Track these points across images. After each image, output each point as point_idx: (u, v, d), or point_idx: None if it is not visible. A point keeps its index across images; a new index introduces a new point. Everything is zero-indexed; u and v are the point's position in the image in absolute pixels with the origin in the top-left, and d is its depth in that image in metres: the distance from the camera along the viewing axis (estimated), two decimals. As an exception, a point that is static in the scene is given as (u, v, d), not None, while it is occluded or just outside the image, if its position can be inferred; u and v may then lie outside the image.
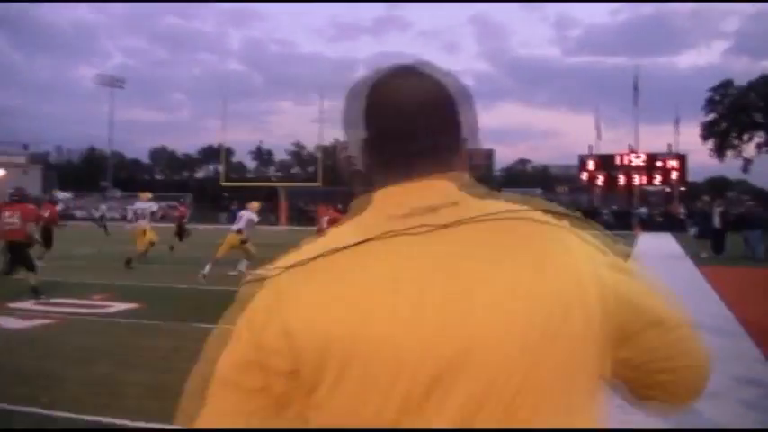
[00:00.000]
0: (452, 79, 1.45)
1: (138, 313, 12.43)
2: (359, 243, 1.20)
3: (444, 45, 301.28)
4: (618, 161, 62.56)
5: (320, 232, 1.41)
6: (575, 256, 1.23)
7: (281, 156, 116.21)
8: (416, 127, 1.33)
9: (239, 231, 19.14)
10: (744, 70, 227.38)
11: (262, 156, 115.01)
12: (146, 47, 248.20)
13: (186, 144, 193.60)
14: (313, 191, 57.24)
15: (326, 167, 62.44)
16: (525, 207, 1.29)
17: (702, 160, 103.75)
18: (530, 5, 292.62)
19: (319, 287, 1.19)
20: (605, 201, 68.74)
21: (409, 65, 1.41)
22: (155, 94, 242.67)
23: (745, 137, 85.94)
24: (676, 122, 70.09)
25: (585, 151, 66.32)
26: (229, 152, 78.28)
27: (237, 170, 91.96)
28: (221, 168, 66.98)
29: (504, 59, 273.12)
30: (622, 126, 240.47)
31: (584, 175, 63.91)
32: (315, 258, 1.22)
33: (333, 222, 18.97)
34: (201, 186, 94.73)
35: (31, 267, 14.00)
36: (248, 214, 19.61)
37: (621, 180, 62.36)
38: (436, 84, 1.39)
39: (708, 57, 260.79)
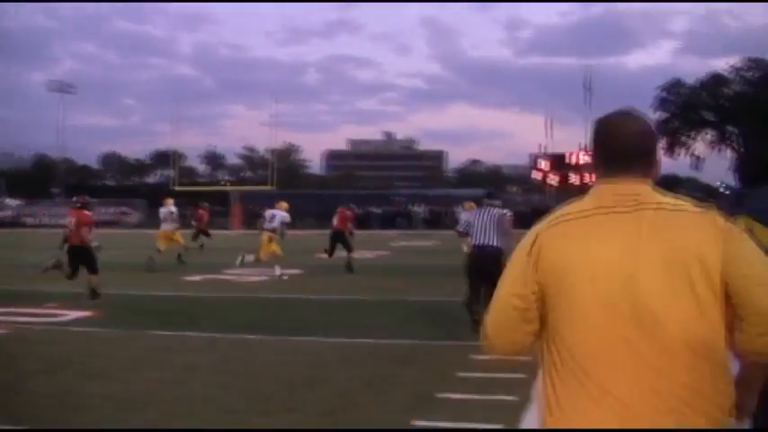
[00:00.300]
0: (652, 122, 2.41)
1: (94, 322, 11.99)
2: (587, 214, 2.19)
3: (396, 47, 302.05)
4: (569, 160, 62.95)
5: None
6: (705, 232, 2.08)
7: (232, 160, 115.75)
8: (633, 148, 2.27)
9: (273, 231, 20.22)
10: (692, 70, 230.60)
11: (213, 160, 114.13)
12: (97, 52, 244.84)
13: (137, 149, 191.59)
14: (266, 194, 56.69)
15: (279, 171, 62.07)
16: (685, 202, 2.20)
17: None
18: (481, 7, 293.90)
19: (562, 236, 2.16)
20: (558, 200, 68.94)
21: (629, 110, 2.37)
22: (106, 100, 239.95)
23: (696, 135, 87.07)
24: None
25: (537, 151, 66.60)
26: (181, 157, 77.36)
27: (189, 174, 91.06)
28: (173, 173, 66.43)
29: (455, 61, 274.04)
30: (574, 126, 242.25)
31: (537, 175, 64.22)
32: (558, 222, 2.21)
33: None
34: (153, 191, 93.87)
35: (93, 270, 14.65)
36: (282, 214, 20.78)
37: (574, 178, 62.74)
38: (645, 122, 2.34)
39: (657, 56, 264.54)
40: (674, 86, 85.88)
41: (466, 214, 13.32)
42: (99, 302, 13.68)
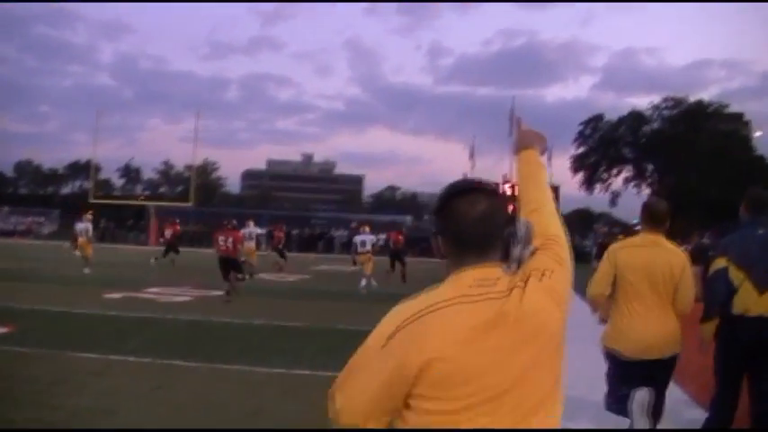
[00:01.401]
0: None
1: (10, 339, 11.29)
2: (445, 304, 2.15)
3: (317, 68, 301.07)
4: (493, 190, 63.45)
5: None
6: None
7: (148, 174, 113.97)
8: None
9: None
10: (610, 105, 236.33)
11: (129, 173, 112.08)
12: (14, 55, 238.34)
13: (53, 158, 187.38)
14: (184, 210, 55.79)
15: (196, 187, 61.15)
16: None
17: (570, 192, 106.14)
18: (404, 32, 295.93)
19: (418, 330, 2.11)
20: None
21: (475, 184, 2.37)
22: (22, 105, 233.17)
23: (614, 171, 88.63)
24: (549, 154, 71.08)
25: (452, 179, 66.79)
26: (96, 168, 75.78)
27: (104, 187, 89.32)
28: (89, 185, 65.01)
29: (375, 85, 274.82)
30: (492, 155, 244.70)
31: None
32: (422, 312, 2.15)
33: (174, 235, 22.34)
34: (67, 203, 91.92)
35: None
36: (371, 237, 25.01)
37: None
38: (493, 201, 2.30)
39: (575, 91, 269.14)
40: (594, 121, 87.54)
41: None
42: (17, 318, 12.98)
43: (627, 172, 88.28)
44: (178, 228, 32.81)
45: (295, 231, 61.33)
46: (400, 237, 29.97)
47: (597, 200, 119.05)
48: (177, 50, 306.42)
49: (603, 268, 6.00)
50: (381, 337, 2.25)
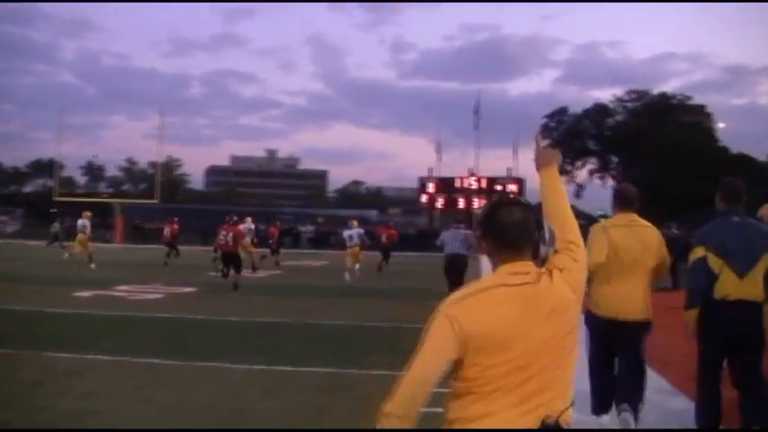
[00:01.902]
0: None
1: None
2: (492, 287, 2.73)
3: (281, 64, 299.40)
4: (458, 184, 63.40)
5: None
6: None
7: (112, 171, 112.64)
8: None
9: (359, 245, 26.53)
10: (573, 99, 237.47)
11: (93, 171, 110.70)
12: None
13: (15, 157, 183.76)
14: (150, 208, 55.34)
15: (161, 184, 60.57)
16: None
17: (535, 186, 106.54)
18: (367, 27, 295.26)
19: (472, 305, 2.68)
20: (444, 223, 69.30)
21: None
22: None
23: (579, 163, 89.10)
24: (515, 147, 71.36)
25: (417, 174, 67.14)
26: (60, 167, 74.89)
27: (67, 185, 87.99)
28: (52, 183, 64.25)
29: (339, 80, 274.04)
30: (456, 150, 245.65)
31: (424, 198, 64.43)
32: (473, 294, 2.73)
33: (173, 234, 27.57)
34: (30, 201, 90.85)
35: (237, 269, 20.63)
36: (359, 231, 27.24)
37: (461, 202, 63.18)
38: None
39: (539, 85, 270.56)
40: (559, 114, 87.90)
41: (444, 234, 19.28)
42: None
43: (591, 164, 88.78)
44: (176, 227, 32.92)
45: (262, 227, 61.03)
46: (393, 232, 31.56)
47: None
48: (140, 48, 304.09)
49: (599, 242, 6.54)
50: (443, 310, 2.73)
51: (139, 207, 59.80)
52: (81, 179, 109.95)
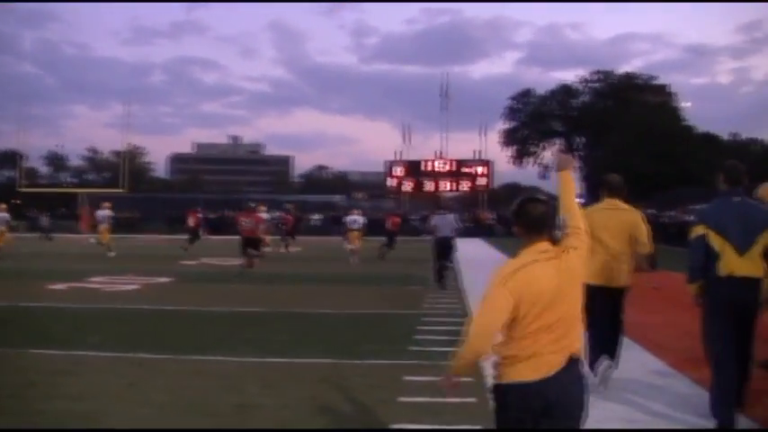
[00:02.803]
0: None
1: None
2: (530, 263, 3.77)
3: (242, 50, 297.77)
4: (425, 167, 63.21)
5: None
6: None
7: (75, 161, 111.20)
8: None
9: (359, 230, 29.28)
10: (536, 80, 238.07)
11: (56, 161, 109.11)
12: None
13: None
14: (115, 197, 54.51)
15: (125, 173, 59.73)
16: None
17: (500, 167, 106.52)
18: (328, 11, 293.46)
19: (519, 278, 3.71)
20: (414, 207, 69.07)
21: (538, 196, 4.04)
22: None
23: (544, 144, 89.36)
24: (482, 130, 71.16)
25: (381, 158, 66.97)
26: (22, 157, 73.75)
27: (30, 176, 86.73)
28: (16, 174, 63.24)
29: (301, 66, 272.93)
30: (419, 132, 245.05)
31: (392, 182, 64.19)
32: (521, 267, 3.75)
33: (197, 224, 27.74)
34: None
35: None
36: (361, 218, 30.31)
37: (429, 186, 63.06)
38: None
39: (501, 67, 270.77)
40: (524, 96, 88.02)
41: (434, 218, 20.46)
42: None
43: (557, 145, 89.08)
44: (200, 216, 35.18)
45: (229, 214, 60.43)
46: (398, 219, 33.96)
47: (528, 173, 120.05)
48: (100, 37, 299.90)
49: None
50: (501, 280, 3.77)
51: (104, 197, 59.03)
52: (44, 170, 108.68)
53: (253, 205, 23.74)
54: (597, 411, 6.57)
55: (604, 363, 7.62)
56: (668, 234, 34.98)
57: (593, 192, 6.38)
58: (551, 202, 3.99)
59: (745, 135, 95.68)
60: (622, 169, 58.33)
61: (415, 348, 9.95)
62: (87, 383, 7.94)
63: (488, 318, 3.76)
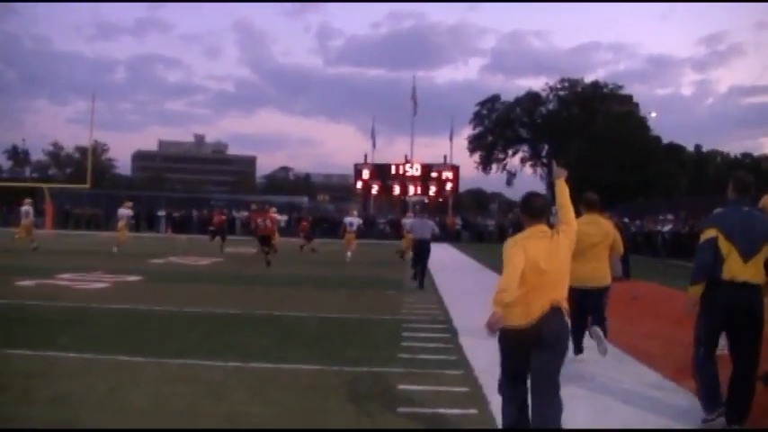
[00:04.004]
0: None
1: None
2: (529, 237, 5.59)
3: (206, 50, 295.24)
4: (394, 171, 62.98)
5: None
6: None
7: (37, 156, 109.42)
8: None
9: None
10: (499, 87, 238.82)
11: (18, 155, 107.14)
12: None
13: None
14: (79, 193, 53.68)
15: (85, 169, 58.52)
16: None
17: (466, 173, 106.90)
18: (292, 13, 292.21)
19: (525, 243, 5.51)
20: (381, 210, 68.81)
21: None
22: None
23: (510, 151, 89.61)
24: (449, 135, 71.21)
25: (344, 161, 66.91)
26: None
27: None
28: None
29: (265, 67, 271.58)
30: (382, 136, 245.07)
31: (359, 184, 63.88)
32: (524, 238, 5.57)
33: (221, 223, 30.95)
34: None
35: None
36: (358, 220, 32.36)
37: (396, 189, 62.84)
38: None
39: (465, 73, 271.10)
40: (491, 102, 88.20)
41: (410, 221, 23.86)
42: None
43: (523, 152, 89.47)
44: (224, 217, 36.23)
45: (195, 213, 59.72)
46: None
47: (494, 180, 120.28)
48: (62, 31, 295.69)
49: None
50: (514, 243, 5.52)
51: (69, 192, 58.02)
52: (5, 164, 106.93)
53: (266, 206, 26.26)
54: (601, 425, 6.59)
55: (594, 327, 9.40)
56: (637, 243, 34.95)
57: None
58: (547, 197, 6.03)
59: (706, 147, 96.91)
60: (585, 178, 58.69)
61: (405, 356, 9.55)
62: (64, 388, 7.43)
63: (513, 271, 5.34)
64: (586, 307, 9.32)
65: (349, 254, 28.67)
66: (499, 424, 6.01)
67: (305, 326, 12.08)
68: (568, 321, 5.67)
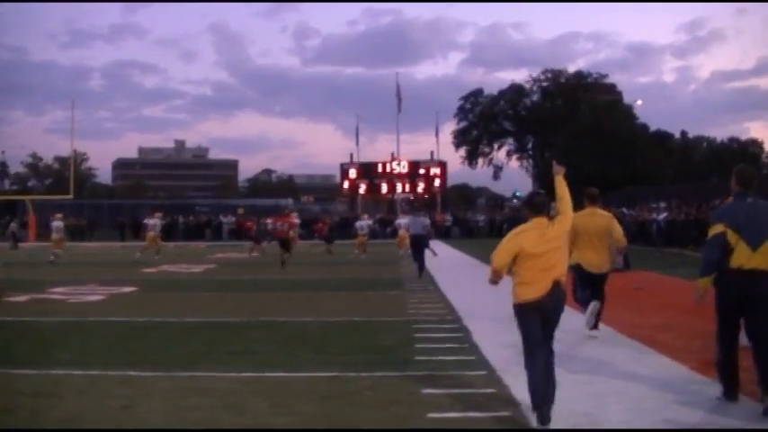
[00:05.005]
0: None
1: None
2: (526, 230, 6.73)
3: (182, 53, 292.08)
4: (381, 169, 62.69)
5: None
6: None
7: (15, 168, 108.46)
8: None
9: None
10: (479, 81, 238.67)
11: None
12: None
13: None
14: (62, 204, 53.12)
15: (68, 179, 58.05)
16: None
17: (453, 168, 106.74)
18: (269, 14, 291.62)
19: (521, 236, 6.67)
20: (367, 210, 68.28)
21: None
22: None
23: (496, 144, 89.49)
24: (434, 131, 71.20)
25: (326, 161, 66.66)
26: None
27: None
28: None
29: (243, 69, 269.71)
30: (362, 133, 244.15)
31: (346, 184, 63.58)
32: (523, 230, 6.73)
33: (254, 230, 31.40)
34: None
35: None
36: (369, 222, 35.82)
37: (384, 188, 62.59)
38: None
39: (444, 68, 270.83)
40: (474, 96, 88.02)
41: (405, 219, 26.41)
42: None
43: (509, 145, 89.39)
44: (255, 226, 38.02)
45: (181, 220, 59.36)
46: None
47: (479, 174, 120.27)
48: (36, 40, 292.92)
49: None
50: (512, 236, 6.66)
51: (51, 204, 57.48)
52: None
53: (286, 211, 28.49)
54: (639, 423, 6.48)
55: (593, 303, 10.71)
56: (631, 233, 34.77)
57: (551, 193, 7.14)
58: (548, 195, 7.08)
59: (691, 133, 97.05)
60: (572, 169, 58.92)
61: (421, 358, 9.32)
62: (75, 407, 7.14)
63: (501, 253, 6.66)
64: (591, 284, 10.91)
65: (363, 256, 30.98)
66: (533, 424, 6.28)
67: (311, 331, 11.80)
68: (565, 293, 6.83)
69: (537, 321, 6.54)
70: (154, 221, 32.89)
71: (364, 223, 33.96)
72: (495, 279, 6.84)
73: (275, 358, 9.60)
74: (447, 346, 10.16)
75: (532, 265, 6.54)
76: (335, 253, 33.92)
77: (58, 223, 31.83)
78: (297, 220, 32.19)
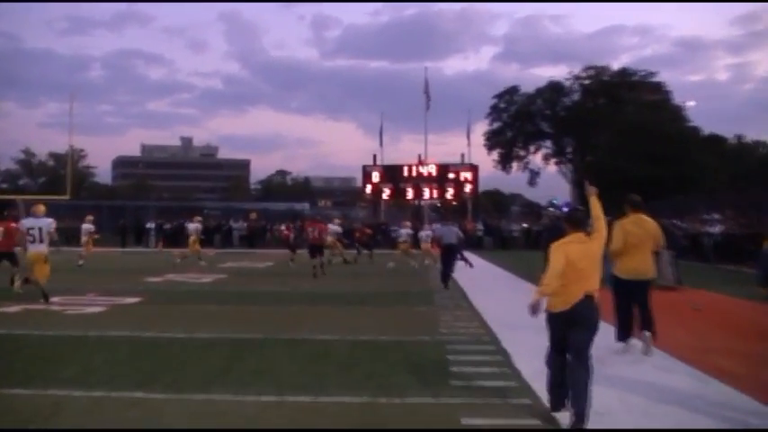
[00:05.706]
0: None
1: None
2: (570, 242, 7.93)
3: (190, 43, 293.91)
4: (407, 172, 62.26)
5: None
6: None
7: (6, 164, 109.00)
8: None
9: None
10: (514, 77, 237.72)
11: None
12: None
13: None
14: (57, 205, 53.29)
15: (64, 178, 58.03)
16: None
17: (485, 172, 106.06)
18: (285, 2, 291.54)
19: (567, 247, 7.82)
20: (392, 217, 67.76)
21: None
22: None
23: (532, 147, 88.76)
24: (465, 131, 70.87)
25: (345, 162, 66.24)
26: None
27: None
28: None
29: (256, 61, 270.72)
30: (387, 133, 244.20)
31: (369, 188, 63.24)
32: (566, 243, 7.87)
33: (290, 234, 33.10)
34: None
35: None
36: (409, 231, 36.19)
37: (410, 193, 62.23)
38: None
39: (476, 63, 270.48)
40: (509, 94, 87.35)
41: (440, 229, 25.69)
42: None
43: (546, 148, 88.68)
44: (291, 233, 38.61)
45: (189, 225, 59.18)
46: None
47: (512, 180, 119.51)
48: (32, 26, 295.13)
49: (618, 235, 11.50)
50: (557, 248, 7.75)
51: (45, 204, 57.63)
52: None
53: (319, 217, 32.09)
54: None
55: (646, 334, 11.32)
56: (683, 247, 34.40)
57: (584, 199, 7.53)
58: (585, 211, 8.25)
59: (750, 137, 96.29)
60: (614, 173, 58.04)
61: (457, 383, 9.24)
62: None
63: (554, 270, 7.54)
64: (631, 296, 11.58)
65: (413, 262, 33.27)
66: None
67: (336, 350, 11.66)
68: (597, 306, 7.68)
69: (562, 332, 7.68)
70: (195, 226, 35.11)
71: (404, 231, 35.94)
72: (538, 309, 7.63)
73: (298, 380, 9.52)
74: (485, 370, 10.09)
75: (569, 278, 7.59)
76: (359, 263, 35.39)
77: (87, 226, 34.57)
78: (331, 227, 33.91)
